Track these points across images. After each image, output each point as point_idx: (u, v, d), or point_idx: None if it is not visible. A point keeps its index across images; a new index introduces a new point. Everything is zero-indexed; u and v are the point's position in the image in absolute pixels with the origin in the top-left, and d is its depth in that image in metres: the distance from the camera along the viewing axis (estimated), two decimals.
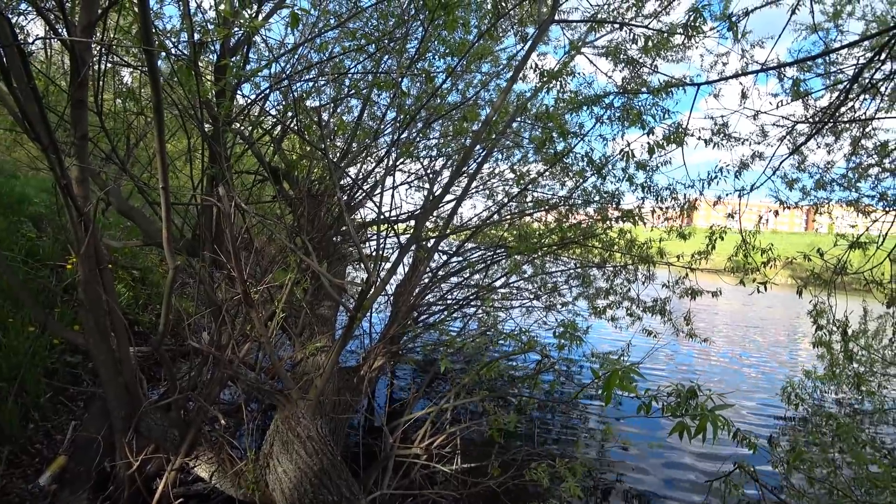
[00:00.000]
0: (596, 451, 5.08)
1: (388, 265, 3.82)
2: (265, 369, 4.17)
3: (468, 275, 5.15)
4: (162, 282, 5.87)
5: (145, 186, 4.78)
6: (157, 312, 5.67)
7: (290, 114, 4.24)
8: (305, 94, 4.66)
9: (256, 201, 5.51)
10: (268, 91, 4.51)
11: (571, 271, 5.16)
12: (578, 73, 4.27)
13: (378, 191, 5.10)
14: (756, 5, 5.41)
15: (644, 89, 3.68)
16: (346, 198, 4.57)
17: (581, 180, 4.31)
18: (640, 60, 4.28)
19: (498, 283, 5.31)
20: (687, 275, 4.24)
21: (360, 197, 5.09)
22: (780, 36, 5.02)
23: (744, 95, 5.05)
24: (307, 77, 4.66)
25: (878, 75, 4.83)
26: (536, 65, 3.68)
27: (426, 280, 4.95)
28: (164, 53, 3.29)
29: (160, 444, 3.51)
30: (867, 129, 5.08)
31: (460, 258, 5.23)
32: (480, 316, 5.08)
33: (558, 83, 3.82)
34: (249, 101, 4.51)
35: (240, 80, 3.88)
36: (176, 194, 5.53)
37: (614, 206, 4.18)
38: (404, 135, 4.18)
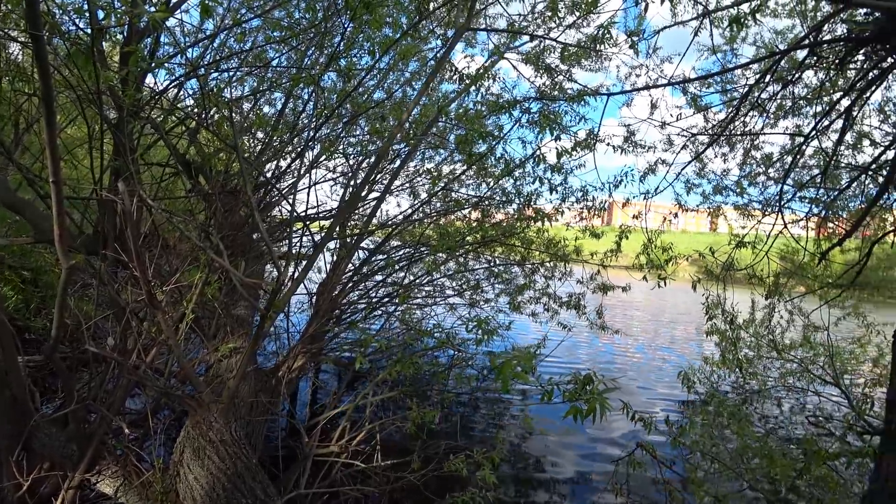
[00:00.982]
0: (517, 441, 5.27)
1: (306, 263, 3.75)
2: (175, 374, 3.96)
3: (391, 272, 5.16)
4: (57, 283, 5.37)
5: (37, 178, 4.35)
6: (51, 317, 5.17)
7: (206, 104, 4.04)
8: (223, 83, 4.46)
9: (167, 196, 5.19)
10: (182, 79, 4.27)
11: (494, 269, 5.33)
12: (501, 78, 4.44)
13: (299, 188, 5.01)
14: (667, 25, 5.87)
15: (561, 96, 3.89)
16: (262, 194, 4.42)
17: (497, 181, 4.48)
18: (557, 68, 4.50)
19: (421, 281, 5.37)
20: (599, 271, 4.52)
21: (278, 194, 4.95)
22: (684, 54, 5.48)
23: (653, 106, 5.48)
24: (227, 67, 4.47)
25: (765, 95, 5.42)
26: (455, 68, 3.76)
27: (349, 278, 4.91)
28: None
29: (56, 460, 3.24)
30: (756, 142, 5.69)
31: (384, 256, 5.24)
32: (402, 314, 5.12)
33: (479, 86, 3.94)
34: (162, 87, 4.25)
35: (147, 67, 3.64)
36: (75, 187, 5.09)
37: (530, 206, 4.36)
38: (324, 131, 4.12)
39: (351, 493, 3.72)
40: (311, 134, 3.64)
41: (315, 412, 4.69)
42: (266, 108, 5.40)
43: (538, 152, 3.27)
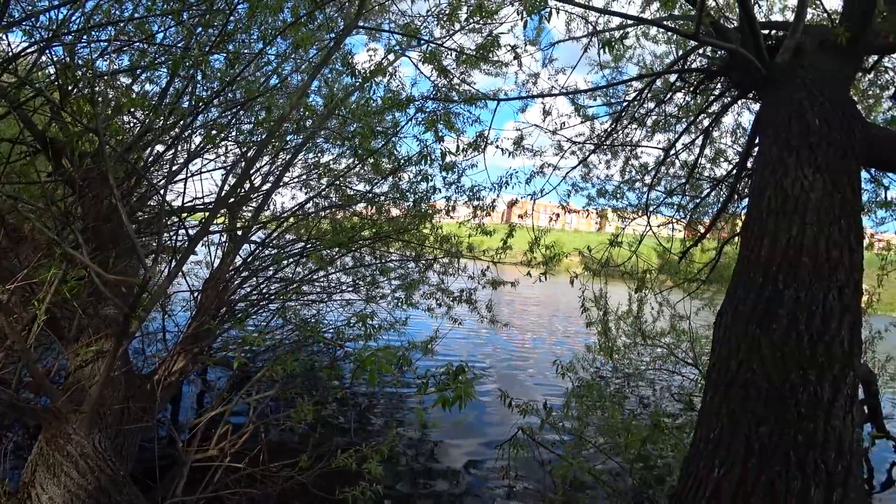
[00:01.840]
0: (415, 435, 5.37)
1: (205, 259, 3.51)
2: (26, 384, 3.51)
3: (282, 267, 5.00)
4: None
5: None
6: None
7: (67, 76, 3.59)
8: (94, 54, 3.99)
9: (21, 181, 4.55)
10: (43, 45, 3.76)
11: (390, 264, 5.37)
12: (400, 74, 4.46)
13: (184, 176, 4.66)
14: (561, 39, 6.26)
15: (455, 97, 4.03)
16: (133, 182, 4.04)
17: (387, 177, 4.52)
18: (454, 70, 4.62)
19: (315, 276, 5.26)
20: (489, 267, 4.74)
21: (154, 182, 4.55)
22: (574, 68, 5.90)
23: (546, 113, 5.83)
24: (101, 37, 4.01)
25: (644, 110, 6.02)
26: (349, 63, 3.72)
27: (238, 273, 4.68)
28: None
29: None
30: (634, 152, 6.31)
31: (275, 251, 5.05)
32: (295, 310, 5.00)
33: (377, 82, 3.93)
34: (16, 51, 3.70)
35: None
36: None
37: (423, 204, 4.46)
38: (213, 116, 3.87)
39: (234, 497, 3.56)
40: (190, 120, 3.39)
41: (201, 416, 4.41)
42: (149, 87, 4.95)
43: (425, 150, 3.35)
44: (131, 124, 5.28)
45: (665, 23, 5.29)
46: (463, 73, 4.51)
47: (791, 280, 1.91)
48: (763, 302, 1.92)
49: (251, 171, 4.55)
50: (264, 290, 4.79)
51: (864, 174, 6.60)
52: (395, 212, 5.15)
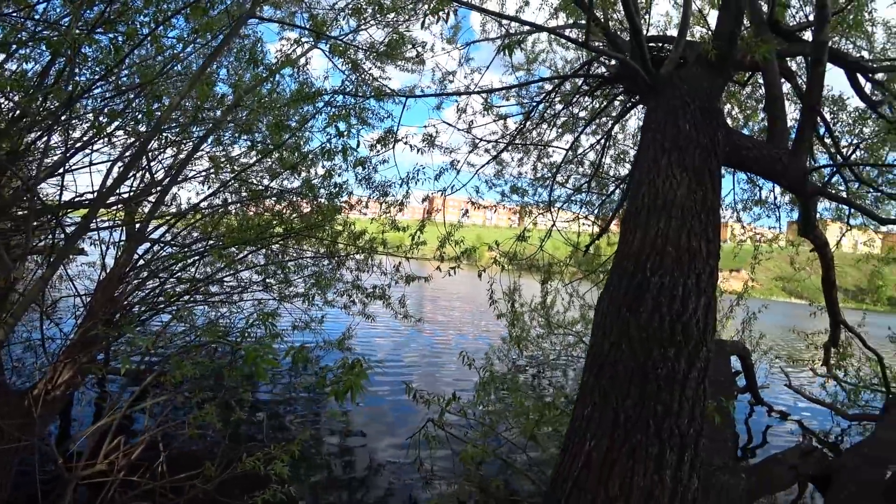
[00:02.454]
0: (331, 436, 5.29)
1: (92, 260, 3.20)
2: None
3: (186, 266, 4.71)
4: None
5: None
6: None
7: None
8: None
9: None
10: None
11: (303, 261, 5.24)
12: (310, 66, 4.36)
13: (70, 167, 4.23)
14: (477, 39, 6.40)
15: (365, 92, 4.01)
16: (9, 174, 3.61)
17: (292, 171, 4.41)
18: (365, 64, 4.61)
19: (222, 276, 5.01)
20: (400, 263, 4.78)
21: (35, 173, 4.11)
22: (487, 68, 6.08)
23: (462, 111, 5.97)
24: None
25: (552, 112, 6.34)
26: (252, 54, 3.58)
27: (135, 274, 4.34)
28: None
29: None
30: (545, 151, 6.63)
31: (177, 249, 4.75)
32: (197, 312, 4.74)
33: (281, 74, 3.82)
34: None
35: None
36: None
37: (336, 199, 4.40)
38: (91, 104, 3.55)
39: None
40: (68, 105, 3.08)
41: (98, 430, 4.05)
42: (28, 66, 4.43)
43: (328, 146, 3.31)
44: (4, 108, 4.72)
45: (566, 32, 5.61)
46: (373, 67, 4.51)
47: (657, 268, 2.12)
48: (633, 288, 2.12)
49: (146, 164, 4.23)
50: (168, 292, 4.47)
51: (742, 175, 7.41)
52: (307, 208, 5.04)
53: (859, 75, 5.40)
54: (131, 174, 5.10)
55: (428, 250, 4.80)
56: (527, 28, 5.49)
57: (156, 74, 3.81)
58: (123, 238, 4.70)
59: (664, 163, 2.49)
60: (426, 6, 3.18)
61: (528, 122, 5.52)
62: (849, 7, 5.60)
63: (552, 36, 6.07)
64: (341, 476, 4.61)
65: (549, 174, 6.55)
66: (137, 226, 4.60)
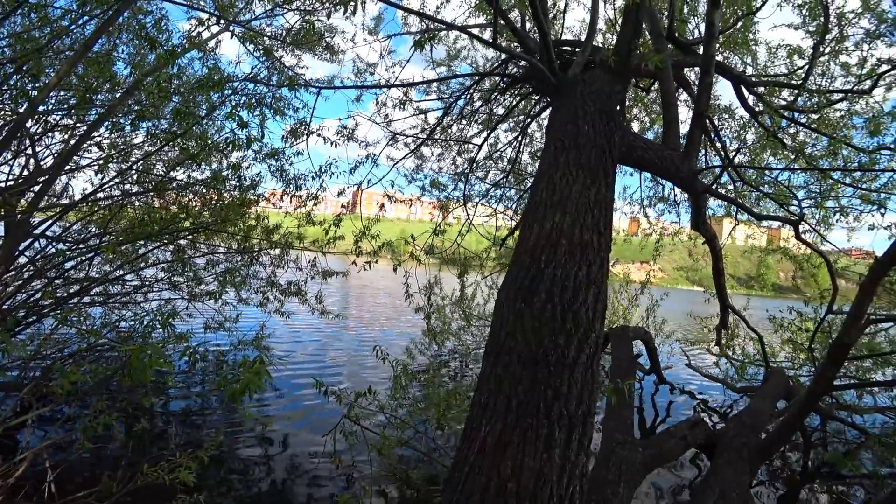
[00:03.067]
0: (250, 440, 5.10)
1: None
2: None
3: (79, 264, 4.32)
4: None
5: None
6: None
7: None
8: None
9: None
10: None
11: (214, 258, 4.97)
12: (220, 52, 4.12)
13: None
14: (399, 32, 6.29)
15: (275, 80, 3.86)
16: None
17: (194, 161, 4.19)
18: (277, 51, 4.44)
19: (122, 274, 4.65)
20: (315, 258, 4.68)
21: None
22: (407, 61, 6.08)
23: (383, 104, 5.92)
24: None
25: (471, 108, 6.46)
26: (147, 35, 3.32)
27: (18, 273, 3.91)
28: None
29: None
30: (463, 146, 6.77)
31: (69, 244, 4.34)
32: (99, 314, 4.37)
33: (182, 58, 3.58)
34: None
35: None
36: None
37: (248, 192, 4.22)
38: None
39: None
40: None
41: None
42: None
43: (232, 136, 3.14)
44: None
45: (483, 31, 5.74)
46: (285, 55, 4.34)
47: (551, 260, 2.25)
48: (528, 280, 2.24)
49: (29, 149, 3.81)
50: (49, 292, 4.06)
51: (648, 174, 7.98)
52: (218, 201, 4.78)
53: (743, 87, 6.01)
54: (9, 160, 4.58)
55: (348, 244, 4.74)
56: (438, 25, 5.56)
57: (33, 50, 3.42)
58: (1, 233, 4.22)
59: (562, 161, 2.64)
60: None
61: (448, 118, 5.60)
62: (738, 26, 6.20)
63: (479, 31, 6.19)
64: (258, 480, 4.46)
65: (468, 169, 6.70)
66: (18, 218, 4.15)
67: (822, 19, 5.49)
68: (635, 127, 7.10)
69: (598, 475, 3.50)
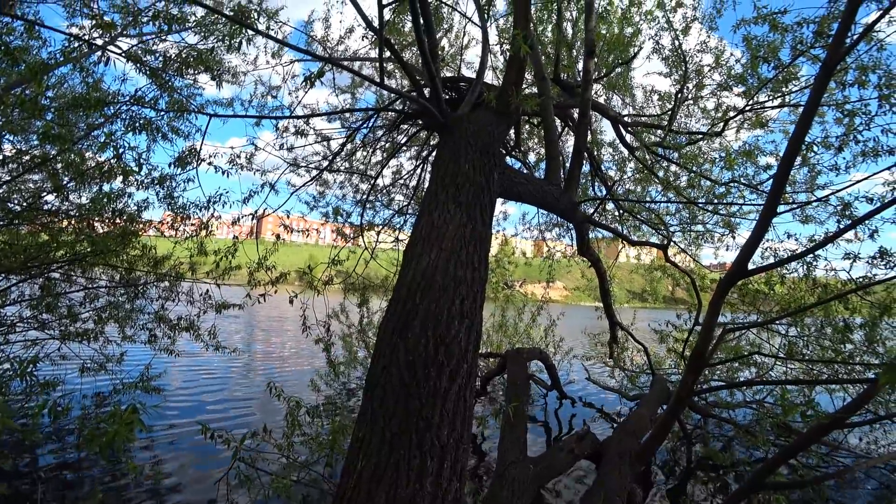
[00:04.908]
0: (138, 495, 4.65)
1: None
2: None
3: None
4: None
5: None
6: None
7: None
8: None
9: None
10: None
11: (94, 292, 4.56)
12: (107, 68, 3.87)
13: None
14: (300, 58, 6.34)
15: (164, 103, 3.71)
16: None
17: (94, 189, 3.90)
18: (169, 72, 4.26)
19: None
20: (208, 290, 4.49)
21: None
22: (306, 92, 6.09)
23: (285, 129, 5.86)
24: None
25: (372, 137, 6.59)
26: (7, 49, 3.06)
27: None
28: None
29: None
30: (367, 174, 6.88)
31: None
32: None
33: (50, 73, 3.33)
34: None
35: None
36: None
37: (130, 219, 3.98)
38: None
39: None
40: None
41: None
42: None
43: (107, 164, 2.97)
44: None
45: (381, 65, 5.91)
46: (175, 77, 4.16)
47: (426, 294, 2.39)
48: (404, 315, 2.36)
49: None
50: None
51: None
52: (99, 229, 4.42)
53: (620, 126, 6.72)
54: None
55: (246, 274, 4.58)
56: (330, 61, 5.67)
57: None
58: None
59: (442, 198, 2.82)
60: (225, 28, 3.10)
61: (350, 145, 5.65)
62: (618, 70, 6.95)
63: (375, 66, 6.35)
64: None
65: (371, 197, 6.79)
66: None
67: (682, 70, 6.32)
68: (531, 157, 7.62)
69: (494, 493, 3.67)
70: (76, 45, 4.14)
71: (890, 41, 4.34)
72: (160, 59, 4.41)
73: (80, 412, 5.15)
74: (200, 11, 4.96)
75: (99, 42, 4.81)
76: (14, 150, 4.66)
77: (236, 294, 4.70)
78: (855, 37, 2.96)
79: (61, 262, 4.26)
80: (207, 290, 4.43)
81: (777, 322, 6.36)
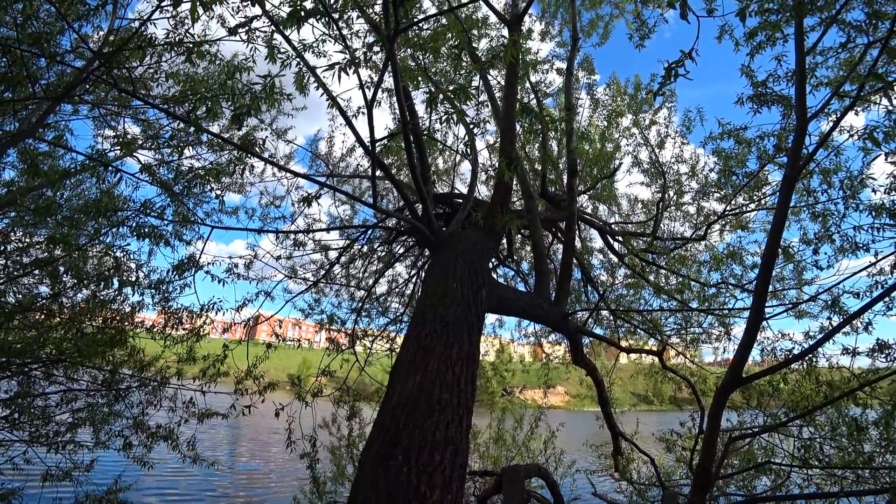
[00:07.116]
0: None
1: None
2: None
3: None
4: None
5: None
6: None
7: None
8: None
9: None
10: None
11: (73, 394, 4.43)
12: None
13: None
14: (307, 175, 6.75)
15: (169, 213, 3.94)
16: None
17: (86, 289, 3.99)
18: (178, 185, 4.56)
19: None
20: (192, 397, 4.39)
21: None
22: (309, 204, 6.50)
23: (286, 237, 6.10)
24: None
25: (368, 248, 6.86)
26: (34, 166, 3.33)
27: None
28: None
29: None
30: (363, 283, 7.05)
31: None
32: None
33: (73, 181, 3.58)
34: None
35: None
36: None
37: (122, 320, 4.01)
38: None
39: None
40: None
41: None
42: None
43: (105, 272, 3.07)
44: None
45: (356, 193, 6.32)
46: (185, 190, 4.44)
47: (409, 420, 2.36)
48: (387, 443, 2.31)
49: None
50: None
51: None
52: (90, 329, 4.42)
53: (608, 235, 7.02)
54: None
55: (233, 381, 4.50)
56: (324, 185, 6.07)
57: None
58: None
59: (429, 317, 2.89)
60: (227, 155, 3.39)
61: (346, 255, 5.88)
62: (602, 182, 7.40)
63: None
64: None
65: (368, 304, 6.89)
66: None
67: (661, 181, 6.73)
68: (525, 266, 7.83)
69: None
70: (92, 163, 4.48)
71: (848, 143, 4.63)
72: (173, 171, 4.73)
73: None
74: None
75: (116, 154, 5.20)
76: (18, 245, 4.77)
77: (222, 401, 4.58)
78: (811, 148, 3.21)
79: (44, 361, 4.21)
80: (192, 398, 4.32)
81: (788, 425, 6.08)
